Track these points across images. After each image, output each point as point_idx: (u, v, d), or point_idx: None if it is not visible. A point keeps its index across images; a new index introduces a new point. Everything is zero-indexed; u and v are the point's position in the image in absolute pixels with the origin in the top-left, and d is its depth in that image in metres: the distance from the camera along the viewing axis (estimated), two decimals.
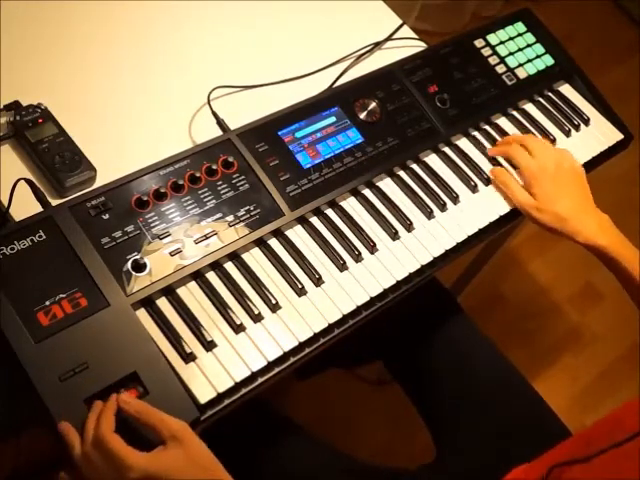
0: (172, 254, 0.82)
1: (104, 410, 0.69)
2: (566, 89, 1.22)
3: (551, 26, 1.26)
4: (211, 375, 0.77)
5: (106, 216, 0.82)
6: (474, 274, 1.58)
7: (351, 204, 0.96)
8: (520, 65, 1.18)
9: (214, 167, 0.89)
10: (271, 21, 1.16)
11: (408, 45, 1.20)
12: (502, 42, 1.19)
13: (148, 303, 0.80)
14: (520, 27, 1.23)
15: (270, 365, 0.80)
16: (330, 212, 0.94)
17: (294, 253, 0.89)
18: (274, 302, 0.84)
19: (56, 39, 1.02)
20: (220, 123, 0.98)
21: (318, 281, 0.87)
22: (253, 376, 0.79)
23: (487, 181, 1.04)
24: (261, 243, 0.89)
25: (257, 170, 0.91)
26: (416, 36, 1.22)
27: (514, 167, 1.06)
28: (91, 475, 0.67)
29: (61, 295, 0.75)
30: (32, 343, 0.72)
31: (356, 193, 0.97)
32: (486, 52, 1.17)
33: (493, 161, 1.06)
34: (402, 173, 1.01)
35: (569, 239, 0.98)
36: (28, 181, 0.82)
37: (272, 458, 0.98)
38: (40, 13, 1.03)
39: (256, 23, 1.15)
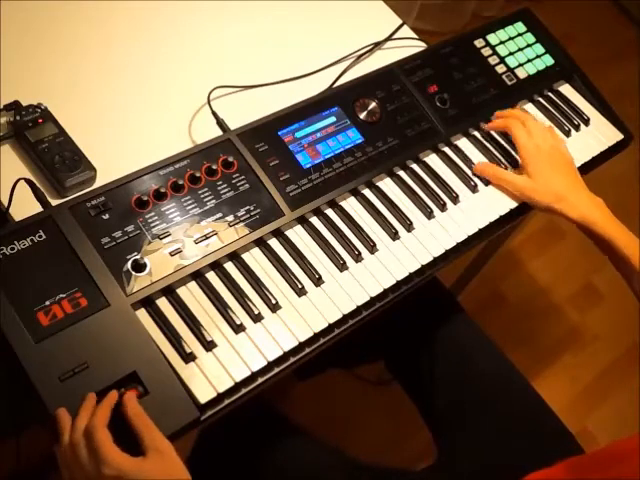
0: (172, 254, 0.82)
1: (103, 403, 0.69)
2: (566, 89, 1.22)
3: (551, 26, 1.26)
4: (211, 375, 0.77)
5: (106, 216, 0.82)
6: (474, 274, 1.58)
7: (351, 204, 0.96)
8: (520, 65, 1.18)
9: (214, 167, 0.89)
10: (271, 21, 1.16)
11: (408, 45, 1.21)
12: (502, 42, 1.19)
13: (148, 303, 0.80)
14: (520, 27, 1.23)
15: (270, 365, 0.80)
16: (330, 212, 0.94)
17: (294, 253, 0.89)
18: (274, 302, 0.84)
19: (56, 39, 1.02)
20: (220, 123, 0.97)
21: (318, 281, 0.87)
22: (253, 376, 0.79)
23: (487, 181, 1.04)
24: (261, 243, 0.89)
25: (257, 170, 0.91)
26: (416, 36, 1.22)
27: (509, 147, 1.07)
28: (71, 463, 0.68)
29: (61, 295, 0.75)
30: (32, 343, 0.72)
31: (356, 193, 0.97)
32: (486, 52, 1.17)
33: (493, 161, 1.06)
34: (402, 173, 1.01)
35: (563, 217, 0.98)
36: (28, 181, 0.82)
37: (272, 458, 0.98)
38: (40, 13, 1.03)
39: (256, 23, 1.15)
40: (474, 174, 1.04)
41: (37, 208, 0.82)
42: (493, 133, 1.10)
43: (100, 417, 0.68)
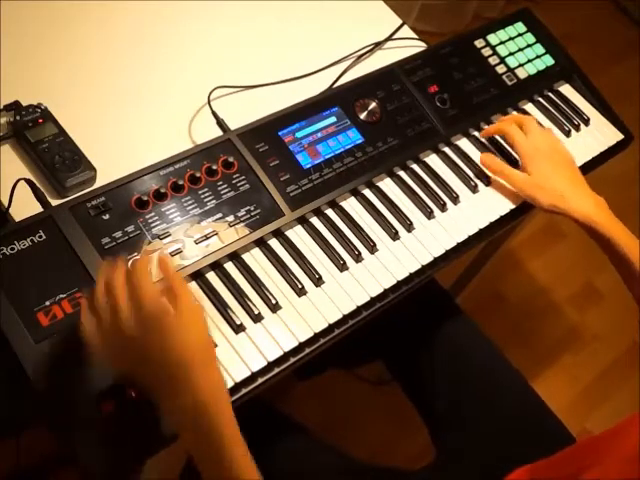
0: (172, 254, 0.82)
1: (140, 262, 0.68)
2: (566, 89, 1.22)
3: (551, 26, 1.26)
4: None
5: (106, 216, 0.82)
6: (474, 274, 1.58)
7: (351, 204, 0.96)
8: (520, 65, 1.18)
9: (214, 167, 0.89)
10: (271, 21, 1.16)
11: (408, 45, 1.21)
12: (502, 42, 1.19)
13: None
14: (520, 27, 1.23)
15: (270, 365, 0.80)
16: (330, 212, 0.94)
17: (294, 253, 0.89)
18: (274, 302, 0.84)
19: (56, 39, 1.02)
20: (220, 123, 0.98)
21: (318, 281, 0.87)
22: (253, 376, 0.79)
23: (487, 181, 1.04)
24: (261, 243, 0.89)
25: (257, 170, 0.91)
26: (416, 36, 1.22)
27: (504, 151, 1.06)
28: (103, 309, 0.66)
29: (61, 295, 0.75)
30: (32, 343, 0.72)
31: (356, 193, 0.97)
32: (486, 52, 1.17)
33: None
34: (402, 173, 1.01)
35: (566, 216, 0.97)
36: (28, 181, 0.82)
37: (272, 459, 0.98)
38: (40, 13, 1.03)
39: (256, 23, 1.15)
40: (475, 175, 1.04)
41: (37, 208, 0.82)
42: None
43: (141, 264, 0.67)
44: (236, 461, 0.65)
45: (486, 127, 1.08)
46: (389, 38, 1.19)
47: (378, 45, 1.17)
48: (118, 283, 0.66)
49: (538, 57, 1.21)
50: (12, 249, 0.76)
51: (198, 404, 0.65)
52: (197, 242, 0.84)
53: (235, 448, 0.66)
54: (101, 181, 0.88)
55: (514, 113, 1.15)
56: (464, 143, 1.08)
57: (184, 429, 0.67)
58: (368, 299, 0.88)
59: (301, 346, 0.83)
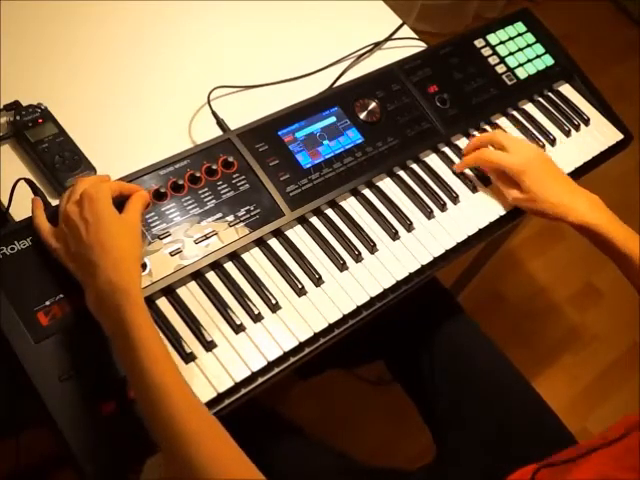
0: (172, 254, 0.82)
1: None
2: (566, 89, 1.22)
3: (551, 26, 1.26)
4: (211, 375, 0.77)
5: None
6: (474, 274, 1.58)
7: (351, 204, 0.96)
8: (520, 65, 1.18)
9: (214, 167, 0.89)
10: (271, 21, 1.16)
11: (408, 45, 1.21)
12: (502, 42, 1.19)
13: (148, 303, 0.80)
14: (520, 27, 1.23)
15: (270, 365, 0.80)
16: (330, 212, 0.94)
17: (294, 253, 0.89)
18: (274, 302, 0.84)
19: (56, 39, 1.02)
20: (220, 123, 0.98)
21: (318, 281, 0.87)
22: (253, 376, 0.79)
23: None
24: (261, 243, 0.89)
25: (257, 170, 0.91)
26: (416, 36, 1.22)
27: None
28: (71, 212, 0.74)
29: (61, 295, 0.75)
30: (32, 343, 0.72)
31: (356, 193, 0.97)
32: (486, 52, 1.17)
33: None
34: (402, 173, 1.01)
35: (561, 221, 0.97)
36: (28, 181, 0.82)
37: (271, 459, 0.98)
38: (40, 13, 1.03)
39: (256, 23, 1.15)
40: (475, 175, 1.04)
41: None
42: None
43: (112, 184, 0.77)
44: (144, 342, 0.68)
45: (458, 162, 1.04)
46: (389, 38, 1.19)
47: (378, 45, 1.17)
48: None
49: (538, 57, 1.21)
50: (12, 249, 0.76)
51: (110, 283, 0.69)
52: (197, 242, 0.84)
53: (141, 331, 0.68)
54: None
55: (515, 114, 1.15)
56: (464, 143, 1.08)
57: (99, 309, 0.71)
58: (368, 299, 0.88)
59: (301, 346, 0.83)
